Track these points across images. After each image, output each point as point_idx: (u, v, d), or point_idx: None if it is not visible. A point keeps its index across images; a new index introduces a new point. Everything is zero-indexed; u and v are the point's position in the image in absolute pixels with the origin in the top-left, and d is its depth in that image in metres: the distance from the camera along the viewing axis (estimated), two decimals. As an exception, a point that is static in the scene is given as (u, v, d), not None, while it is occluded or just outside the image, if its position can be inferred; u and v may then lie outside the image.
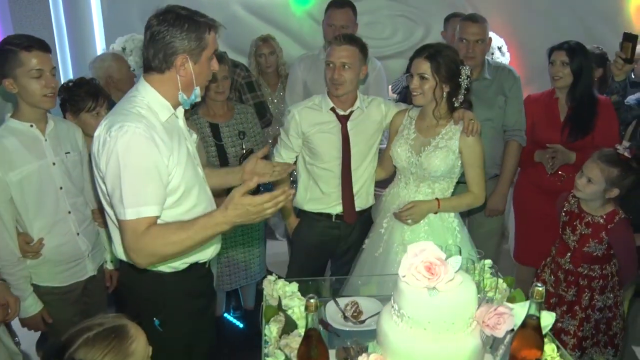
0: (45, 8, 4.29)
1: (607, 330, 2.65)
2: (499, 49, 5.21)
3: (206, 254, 2.02)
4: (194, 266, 1.98)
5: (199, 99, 1.92)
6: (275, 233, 4.79)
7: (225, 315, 3.73)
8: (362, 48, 2.62)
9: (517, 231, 3.53)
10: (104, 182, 1.76)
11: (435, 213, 2.56)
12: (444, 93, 2.44)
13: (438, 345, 1.47)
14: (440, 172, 2.49)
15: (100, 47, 5.30)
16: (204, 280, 2.11)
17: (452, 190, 2.59)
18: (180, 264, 1.94)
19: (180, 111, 1.95)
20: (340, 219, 2.79)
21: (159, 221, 1.77)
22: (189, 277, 1.97)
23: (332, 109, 2.67)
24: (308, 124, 2.68)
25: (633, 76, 4.01)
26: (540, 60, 3.27)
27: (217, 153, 3.10)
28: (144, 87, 1.84)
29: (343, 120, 2.68)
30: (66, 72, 4.80)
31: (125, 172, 1.68)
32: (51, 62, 2.27)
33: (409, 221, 2.54)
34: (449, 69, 2.40)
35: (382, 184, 2.92)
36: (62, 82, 2.77)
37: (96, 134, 1.77)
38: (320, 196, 2.77)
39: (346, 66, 2.55)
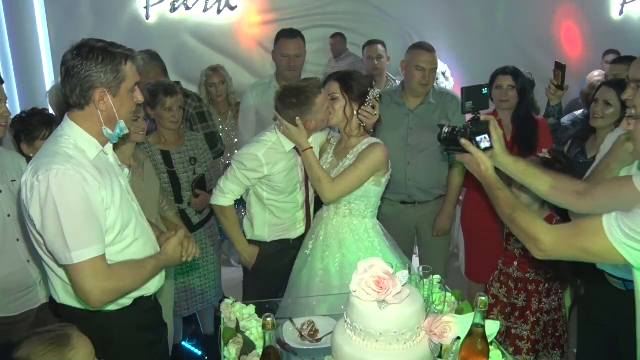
0: (-10, 40, 4.23)
1: (554, 332, 2.81)
2: (443, 74, 5.42)
3: (150, 289, 1.97)
4: (140, 300, 1.94)
5: (126, 131, 1.87)
6: (231, 259, 4.80)
7: (183, 343, 3.69)
8: None
9: (466, 250, 3.65)
10: (39, 232, 1.70)
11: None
12: (354, 111, 2.54)
13: (390, 355, 1.54)
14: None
15: (49, 79, 5.22)
16: (152, 313, 2.06)
17: (371, 209, 2.62)
18: (126, 300, 1.88)
19: (109, 147, 1.90)
20: (297, 240, 2.79)
21: None
22: (135, 312, 1.91)
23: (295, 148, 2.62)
24: (272, 165, 2.59)
25: None
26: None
27: (170, 179, 3.13)
28: (68, 126, 1.78)
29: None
30: (13, 105, 4.70)
31: (65, 216, 1.63)
32: (4, 92, 2.29)
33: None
34: (356, 89, 2.53)
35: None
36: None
37: (23, 179, 1.70)
38: (282, 225, 2.75)
39: None
